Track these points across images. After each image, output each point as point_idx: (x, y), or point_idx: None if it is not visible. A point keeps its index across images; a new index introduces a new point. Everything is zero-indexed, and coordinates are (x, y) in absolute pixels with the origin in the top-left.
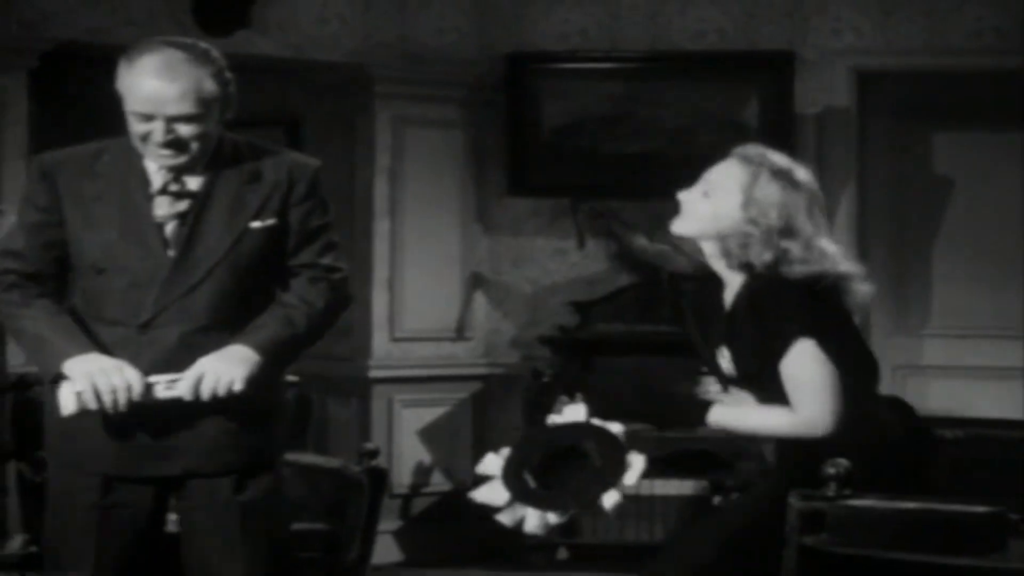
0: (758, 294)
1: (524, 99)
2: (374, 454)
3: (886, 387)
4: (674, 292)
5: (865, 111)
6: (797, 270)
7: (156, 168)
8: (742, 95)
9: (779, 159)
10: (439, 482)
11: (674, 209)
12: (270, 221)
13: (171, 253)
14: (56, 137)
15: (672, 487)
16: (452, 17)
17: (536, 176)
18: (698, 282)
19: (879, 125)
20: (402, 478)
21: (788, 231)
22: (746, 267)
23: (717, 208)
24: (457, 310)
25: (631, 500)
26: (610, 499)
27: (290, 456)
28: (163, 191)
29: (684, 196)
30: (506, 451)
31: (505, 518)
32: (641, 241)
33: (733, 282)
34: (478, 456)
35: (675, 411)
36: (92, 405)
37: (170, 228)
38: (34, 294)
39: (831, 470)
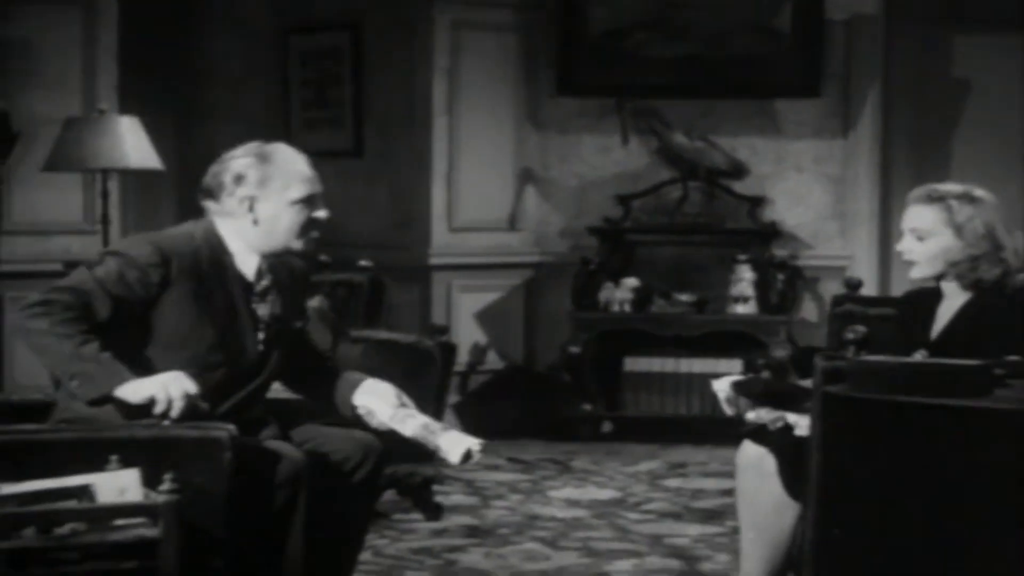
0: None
1: (573, 4)
2: (444, 330)
3: (900, 279)
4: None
5: (891, 17)
6: (1020, 279)
7: (250, 268)
8: (776, 1)
9: (953, 187)
10: (493, 361)
11: (711, 108)
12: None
13: (260, 349)
14: (145, 41)
15: (708, 365)
16: None
17: (583, 77)
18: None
19: (904, 30)
20: (460, 356)
21: (997, 245)
22: (974, 285)
23: (937, 247)
24: (510, 203)
25: (669, 376)
26: None
27: (367, 332)
28: (262, 293)
29: (903, 247)
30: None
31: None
32: (680, 138)
33: (955, 296)
34: (529, 337)
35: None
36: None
37: (263, 328)
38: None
39: (850, 335)
